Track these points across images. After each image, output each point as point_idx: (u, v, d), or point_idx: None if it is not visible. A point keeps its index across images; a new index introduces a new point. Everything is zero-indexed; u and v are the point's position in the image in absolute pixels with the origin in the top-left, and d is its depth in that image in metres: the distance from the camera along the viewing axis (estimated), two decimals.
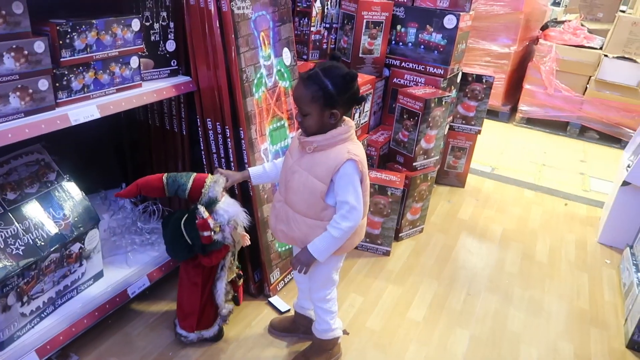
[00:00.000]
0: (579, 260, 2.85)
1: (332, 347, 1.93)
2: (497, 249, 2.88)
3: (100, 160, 2.40)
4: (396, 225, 2.74)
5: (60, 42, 1.50)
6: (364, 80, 2.49)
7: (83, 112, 1.60)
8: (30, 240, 1.71)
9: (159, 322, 2.08)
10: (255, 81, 2.06)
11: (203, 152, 2.13)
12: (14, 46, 1.38)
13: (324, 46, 2.85)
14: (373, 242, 2.69)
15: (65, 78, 1.56)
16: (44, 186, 1.85)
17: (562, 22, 5.49)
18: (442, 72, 2.81)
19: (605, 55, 4.64)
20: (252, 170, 1.84)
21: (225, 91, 1.97)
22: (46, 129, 1.49)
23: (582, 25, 5.34)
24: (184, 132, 2.20)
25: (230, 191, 2.09)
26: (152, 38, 1.89)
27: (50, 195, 1.85)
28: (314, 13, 2.74)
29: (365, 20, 2.70)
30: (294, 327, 2.07)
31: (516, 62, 5.05)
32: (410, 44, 2.86)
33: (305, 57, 2.80)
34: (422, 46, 2.82)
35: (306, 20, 2.75)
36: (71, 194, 1.91)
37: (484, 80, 3.27)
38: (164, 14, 1.89)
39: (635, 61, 4.54)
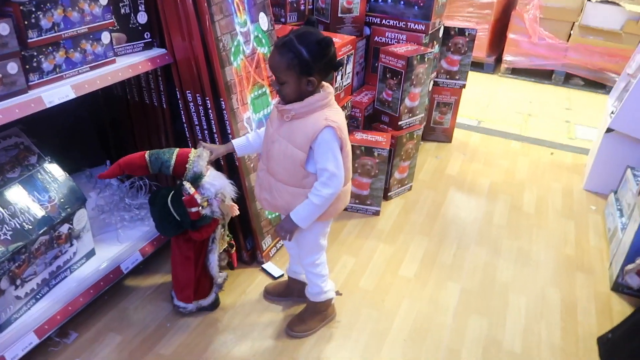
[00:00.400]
0: (566, 208, 2.90)
1: (326, 309, 1.98)
2: (485, 202, 2.92)
3: (82, 138, 2.37)
4: (384, 185, 2.76)
5: (26, 22, 1.44)
6: (344, 42, 2.45)
7: (57, 93, 1.56)
8: (18, 225, 1.71)
9: (155, 295, 2.11)
10: (233, 49, 2.02)
11: (185, 125, 2.11)
12: None
13: (302, 7, 2.78)
14: (362, 202, 2.71)
15: (35, 59, 1.51)
16: (26, 170, 1.83)
17: None
18: (423, 28, 2.76)
19: (589, 0, 4.57)
20: (236, 142, 1.83)
21: (203, 62, 1.93)
22: (20, 114, 1.46)
23: None
24: (164, 106, 2.17)
25: (216, 163, 2.08)
26: (122, 11, 1.84)
27: (33, 179, 1.84)
28: None
29: None
30: (288, 292, 2.11)
31: (499, 12, 4.97)
32: (389, 0, 2.79)
33: (283, 20, 2.74)
34: (402, 2, 2.76)
35: None
36: (55, 175, 1.90)
37: (466, 33, 3.22)
38: None
39: (618, 4, 4.48)
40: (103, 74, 1.72)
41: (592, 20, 4.57)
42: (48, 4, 1.50)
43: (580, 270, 2.41)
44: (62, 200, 1.86)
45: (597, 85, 4.80)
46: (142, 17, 1.91)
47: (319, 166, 1.56)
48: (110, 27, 1.75)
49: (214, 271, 1.96)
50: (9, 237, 1.66)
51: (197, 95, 2.01)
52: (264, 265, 2.28)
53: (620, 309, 2.18)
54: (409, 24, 2.78)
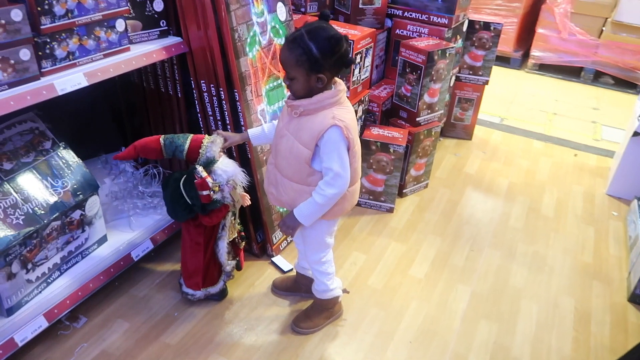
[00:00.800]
0: (586, 213, 2.82)
1: (333, 306, 1.96)
2: (503, 203, 2.85)
3: (98, 124, 2.38)
4: (400, 182, 2.71)
5: (39, 8, 1.44)
6: (363, 34, 2.40)
7: (69, 80, 1.56)
8: (30, 210, 1.72)
9: (164, 284, 2.12)
10: (249, 40, 1.99)
11: (199, 115, 2.10)
12: None
13: None
14: (376, 199, 2.68)
15: (48, 46, 1.51)
16: (40, 155, 1.85)
17: None
18: (446, 22, 2.69)
19: None
20: (251, 132, 1.82)
21: (218, 52, 1.91)
22: (32, 100, 1.46)
23: None
24: (179, 95, 2.16)
25: (229, 153, 2.07)
26: None
27: (47, 164, 1.85)
28: None
29: None
30: (295, 287, 2.10)
31: (529, 5, 4.82)
32: None
33: (303, 9, 2.69)
34: None
35: None
36: (68, 161, 1.91)
37: (492, 28, 3.12)
38: None
39: None
40: (116, 62, 1.71)
41: (626, 17, 4.39)
42: None
43: (596, 279, 2.33)
44: (74, 186, 1.88)
45: (628, 84, 4.64)
46: (159, 5, 1.89)
47: (324, 165, 1.54)
48: (126, 15, 1.74)
49: (222, 258, 1.96)
50: (21, 222, 1.68)
51: (212, 85, 1.99)
52: (273, 259, 2.27)
53: (636, 322, 2.11)
54: (431, 17, 2.71)
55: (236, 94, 1.97)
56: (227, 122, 2.03)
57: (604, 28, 4.54)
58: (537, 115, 4.05)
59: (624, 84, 4.66)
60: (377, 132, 2.58)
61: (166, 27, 1.94)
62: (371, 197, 2.67)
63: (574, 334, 2.03)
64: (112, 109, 2.41)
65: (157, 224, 2.18)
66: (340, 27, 2.47)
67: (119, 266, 2.00)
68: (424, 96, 2.62)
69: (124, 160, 1.85)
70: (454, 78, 3.23)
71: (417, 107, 2.63)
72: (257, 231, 2.27)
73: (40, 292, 1.81)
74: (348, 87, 2.42)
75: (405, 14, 2.78)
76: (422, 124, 2.70)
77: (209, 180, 1.75)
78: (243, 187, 1.87)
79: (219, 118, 2.06)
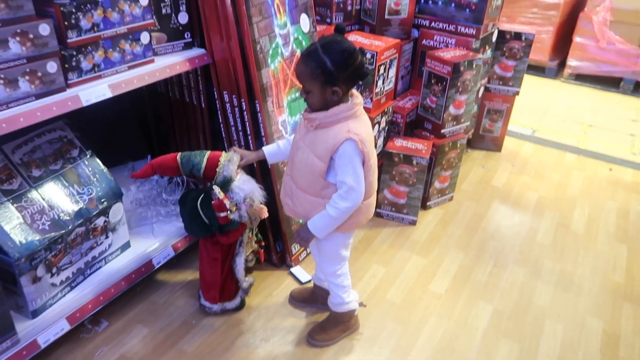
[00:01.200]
0: (619, 230, 2.70)
1: (349, 320, 1.95)
2: (531, 218, 2.77)
3: (126, 132, 2.45)
4: (423, 194, 2.67)
5: (66, 23, 1.50)
6: (387, 45, 2.38)
7: (94, 92, 1.61)
8: (56, 216, 1.78)
9: (184, 291, 2.15)
10: (271, 51, 2.01)
11: (222, 125, 2.13)
12: (19, 30, 1.39)
13: (349, 8, 2.73)
14: (399, 211, 2.65)
15: (74, 59, 1.56)
16: (68, 162, 1.91)
17: None
18: (474, 32, 2.64)
19: None
20: (267, 150, 1.83)
21: (240, 63, 1.93)
22: (58, 111, 1.52)
23: None
24: (203, 105, 2.20)
25: (249, 165, 2.09)
26: (164, 11, 1.87)
27: (73, 171, 1.91)
28: None
29: None
30: (312, 298, 2.09)
31: (566, 13, 4.69)
32: (440, 3, 2.69)
33: (329, 20, 2.70)
34: (453, 4, 2.65)
35: None
36: (94, 169, 1.97)
37: (523, 38, 3.05)
38: None
39: None
40: (140, 73, 1.76)
41: None
42: (88, 5, 1.54)
43: (628, 300, 2.23)
44: (99, 193, 1.93)
45: None
46: (183, 18, 1.93)
47: (339, 178, 1.54)
48: (151, 27, 1.78)
49: (239, 274, 1.97)
50: (47, 227, 1.74)
51: (234, 96, 2.02)
52: (292, 269, 2.27)
53: None
54: (459, 27, 2.67)
55: (257, 104, 1.99)
56: (248, 132, 2.06)
57: None
58: (572, 127, 3.92)
59: None
60: (400, 143, 2.55)
61: (190, 39, 1.98)
62: (393, 209, 2.64)
63: (601, 358, 1.95)
64: (139, 118, 2.48)
65: (179, 231, 2.21)
66: (364, 38, 2.46)
67: (140, 272, 2.04)
68: (450, 108, 2.58)
69: (141, 178, 1.89)
70: (482, 89, 3.17)
71: (442, 119, 2.59)
72: (277, 241, 2.27)
73: (64, 295, 1.86)
74: (371, 98, 2.41)
75: (432, 24, 2.75)
76: (447, 135, 2.66)
77: (226, 201, 1.75)
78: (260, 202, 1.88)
79: (240, 128, 2.08)
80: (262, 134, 2.03)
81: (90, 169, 1.96)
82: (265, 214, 1.98)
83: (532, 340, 2.00)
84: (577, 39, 4.64)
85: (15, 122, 1.42)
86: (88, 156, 1.97)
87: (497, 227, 2.68)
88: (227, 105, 2.06)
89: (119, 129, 2.39)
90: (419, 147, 2.53)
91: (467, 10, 2.63)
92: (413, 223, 2.65)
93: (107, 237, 2.00)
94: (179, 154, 1.82)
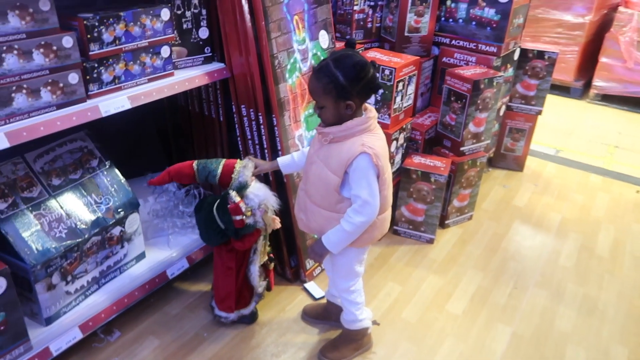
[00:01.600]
0: None
1: (362, 338, 1.91)
2: (553, 240, 2.69)
3: (145, 144, 2.48)
4: (441, 212, 2.63)
5: (89, 36, 1.54)
6: (406, 62, 2.38)
7: (113, 103, 1.64)
8: (73, 224, 1.81)
9: (197, 303, 2.15)
10: (289, 67, 2.03)
11: (239, 139, 2.14)
12: (43, 42, 1.43)
13: (369, 25, 2.75)
14: (416, 229, 2.61)
15: (96, 71, 1.60)
16: (87, 172, 1.94)
17: None
18: (495, 50, 2.62)
19: None
20: (281, 160, 1.83)
21: (258, 78, 1.95)
22: (77, 121, 1.55)
23: None
24: (221, 119, 2.22)
25: (265, 177, 2.09)
26: (185, 26, 1.90)
27: (92, 181, 1.94)
28: None
29: None
30: (325, 315, 2.06)
31: (592, 33, 4.62)
32: (460, 20, 2.68)
33: (348, 37, 2.71)
34: (474, 22, 2.64)
35: None
36: (112, 179, 2.00)
37: (546, 57, 3.01)
38: (196, 1, 1.89)
39: None
40: (160, 86, 1.79)
41: None
42: (111, 19, 1.58)
43: None
44: (116, 203, 1.96)
45: None
46: (204, 33, 1.96)
47: (353, 192, 1.52)
48: (171, 42, 1.82)
49: (255, 282, 1.97)
50: (64, 235, 1.77)
51: (251, 110, 2.03)
52: (305, 285, 2.25)
53: None
54: (479, 45, 2.65)
55: (274, 118, 2.00)
56: (265, 146, 2.06)
57: None
58: (597, 147, 3.83)
59: None
60: (418, 160, 2.53)
61: (210, 54, 2.01)
62: (411, 226, 2.61)
63: None
64: (159, 130, 2.52)
65: (194, 243, 2.22)
66: (382, 55, 2.46)
67: (154, 283, 2.04)
68: (469, 125, 2.54)
69: (158, 185, 1.92)
70: (504, 107, 3.13)
71: (462, 137, 2.56)
72: (291, 256, 2.26)
73: (77, 304, 1.88)
74: (389, 115, 2.40)
75: (453, 42, 2.74)
76: (466, 153, 2.62)
77: (242, 205, 1.77)
78: (274, 210, 1.88)
79: (257, 142, 2.09)
80: (279, 147, 2.04)
81: (108, 179, 1.99)
82: (277, 224, 1.98)
83: None
84: (603, 59, 4.57)
85: (36, 131, 1.45)
86: (107, 166, 2.00)
87: (517, 248, 2.62)
88: (245, 119, 2.07)
89: (139, 141, 2.43)
90: (438, 164, 2.50)
91: (488, 28, 2.61)
92: (430, 241, 2.60)
93: (122, 247, 2.02)
94: (196, 161, 1.85)
